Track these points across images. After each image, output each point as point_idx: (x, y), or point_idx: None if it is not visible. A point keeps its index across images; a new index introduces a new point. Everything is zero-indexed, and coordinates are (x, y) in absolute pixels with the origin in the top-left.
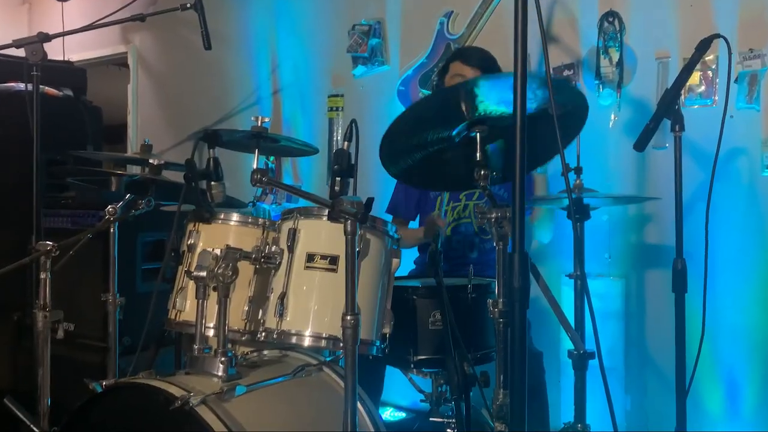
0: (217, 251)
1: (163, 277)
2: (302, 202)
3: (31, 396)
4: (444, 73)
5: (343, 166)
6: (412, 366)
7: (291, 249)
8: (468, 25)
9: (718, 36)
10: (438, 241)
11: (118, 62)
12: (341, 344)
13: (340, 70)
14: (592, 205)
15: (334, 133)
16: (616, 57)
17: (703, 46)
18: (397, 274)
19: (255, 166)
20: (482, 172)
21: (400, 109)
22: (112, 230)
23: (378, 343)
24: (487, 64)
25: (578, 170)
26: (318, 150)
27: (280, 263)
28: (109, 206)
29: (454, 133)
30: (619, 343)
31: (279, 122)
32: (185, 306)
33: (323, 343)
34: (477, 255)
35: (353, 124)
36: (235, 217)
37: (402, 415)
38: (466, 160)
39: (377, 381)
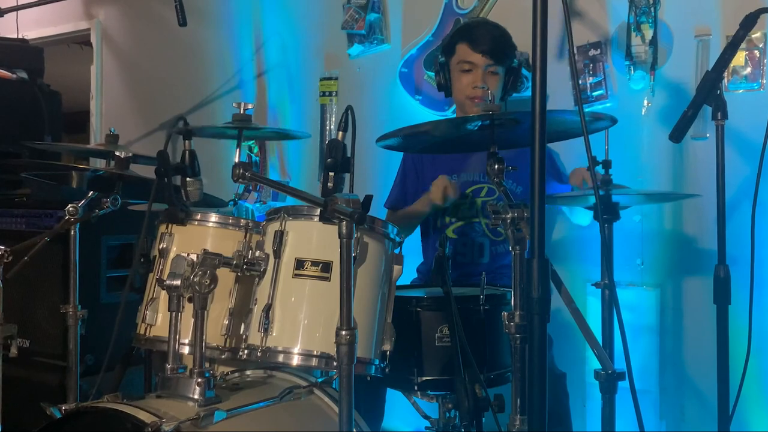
0: (193, 257)
1: (132, 287)
2: (290, 201)
3: None
4: (450, 53)
5: (337, 160)
6: (416, 388)
7: (277, 254)
8: None
9: (765, 10)
10: (445, 245)
11: (80, 40)
12: (335, 363)
13: (333, 50)
14: (622, 204)
15: (327, 122)
16: (649, 34)
17: (749, 22)
18: (398, 283)
19: (237, 160)
20: (496, 166)
21: (401, 93)
22: (72, 232)
23: (377, 362)
24: (499, 49)
25: (606, 164)
26: (309, 136)
27: (264, 270)
28: (70, 205)
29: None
30: (652, 362)
31: (264, 109)
32: (156, 319)
33: (314, 361)
34: (488, 261)
35: (349, 112)
36: (213, 217)
37: None
38: None
39: (377, 405)
